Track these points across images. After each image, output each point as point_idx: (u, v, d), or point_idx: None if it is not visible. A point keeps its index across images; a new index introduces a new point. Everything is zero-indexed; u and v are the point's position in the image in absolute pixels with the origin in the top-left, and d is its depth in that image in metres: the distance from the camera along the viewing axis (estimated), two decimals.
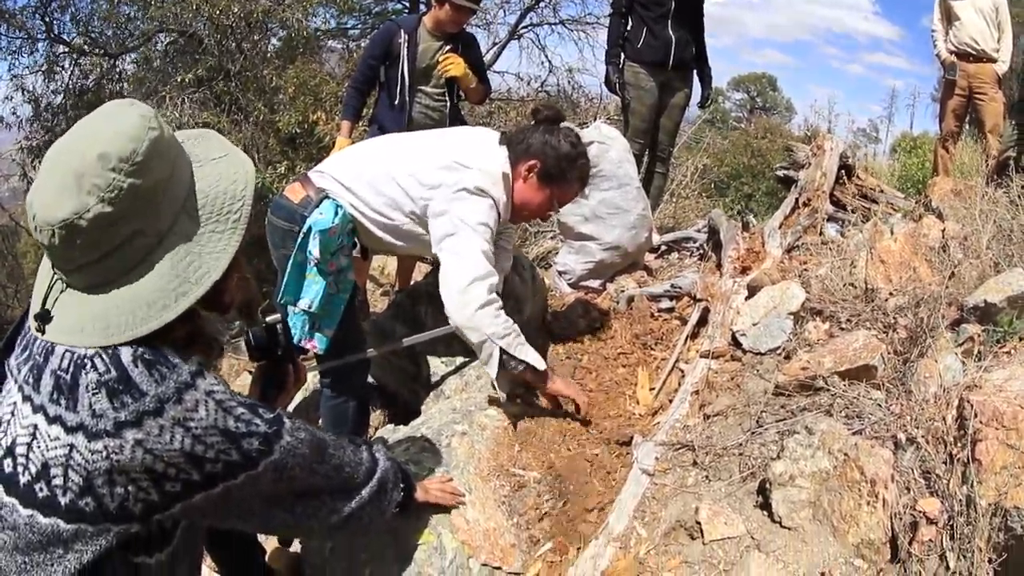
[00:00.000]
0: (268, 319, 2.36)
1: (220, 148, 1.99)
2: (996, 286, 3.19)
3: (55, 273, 1.81)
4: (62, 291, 1.80)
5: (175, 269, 1.77)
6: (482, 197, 3.45)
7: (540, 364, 3.48)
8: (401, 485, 2.50)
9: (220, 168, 1.92)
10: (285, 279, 3.56)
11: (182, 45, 15.25)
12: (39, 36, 15.44)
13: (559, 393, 3.66)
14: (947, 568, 2.28)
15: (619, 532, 2.85)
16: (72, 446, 1.67)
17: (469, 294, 3.33)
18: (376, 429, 4.43)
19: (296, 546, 3.24)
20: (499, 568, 2.82)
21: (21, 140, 16.14)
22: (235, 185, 1.90)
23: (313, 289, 3.58)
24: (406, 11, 20.28)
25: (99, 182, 1.64)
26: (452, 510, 2.92)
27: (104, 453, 1.66)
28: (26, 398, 1.76)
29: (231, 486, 1.84)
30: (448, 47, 5.51)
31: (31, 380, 1.77)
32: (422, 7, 19.50)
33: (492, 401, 3.71)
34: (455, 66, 5.43)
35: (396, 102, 5.51)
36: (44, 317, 1.78)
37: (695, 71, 6.89)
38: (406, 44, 5.43)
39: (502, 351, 3.37)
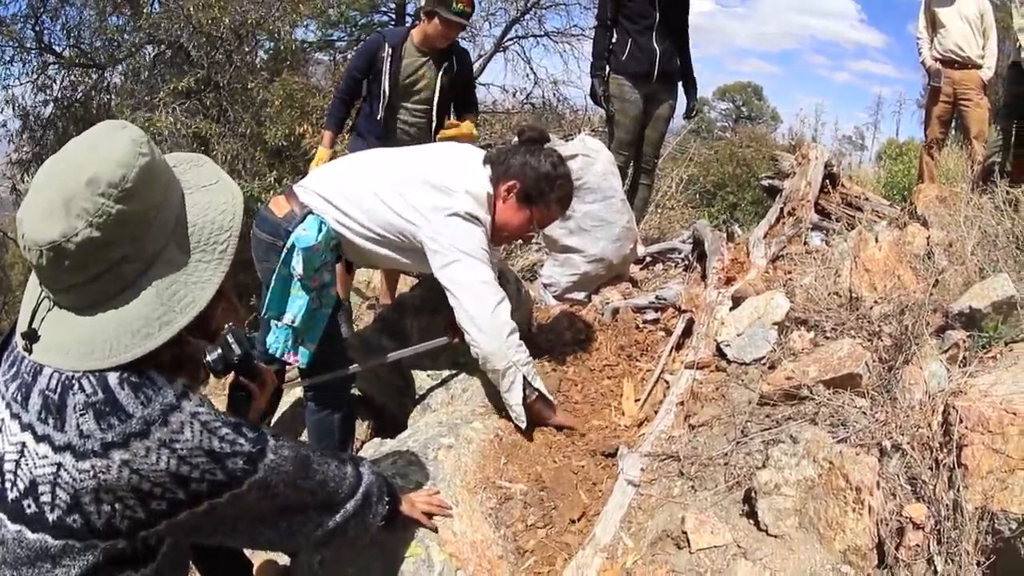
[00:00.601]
0: None
1: (211, 175, 1.99)
2: (981, 292, 3.20)
3: (43, 291, 1.81)
4: (49, 310, 1.81)
5: (160, 297, 1.78)
6: (475, 225, 3.48)
7: (549, 395, 3.67)
8: (386, 498, 2.50)
9: (210, 196, 1.93)
10: (269, 293, 3.56)
11: (170, 57, 15.24)
12: (30, 46, 15.44)
13: (560, 424, 3.71)
14: (935, 572, 2.30)
15: (606, 543, 2.85)
16: (60, 465, 1.69)
17: (497, 323, 3.45)
18: (363, 443, 4.42)
19: (284, 559, 3.23)
20: None
21: (11, 153, 16.14)
22: (223, 215, 1.90)
23: (296, 304, 3.58)
24: (392, 23, 20.31)
25: (88, 207, 1.65)
26: (439, 523, 2.91)
27: (91, 472, 1.68)
28: (14, 415, 1.77)
29: (216, 504, 1.86)
30: (444, 64, 5.49)
31: (19, 398, 1.78)
32: (409, 19, 19.56)
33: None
34: (455, 131, 5.40)
35: (377, 116, 5.50)
36: (31, 336, 1.79)
37: (680, 82, 6.91)
38: (389, 59, 5.39)
39: (524, 378, 3.49)
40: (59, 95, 15.83)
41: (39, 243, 1.65)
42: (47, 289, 1.79)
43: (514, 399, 3.52)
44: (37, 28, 15.38)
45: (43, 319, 1.81)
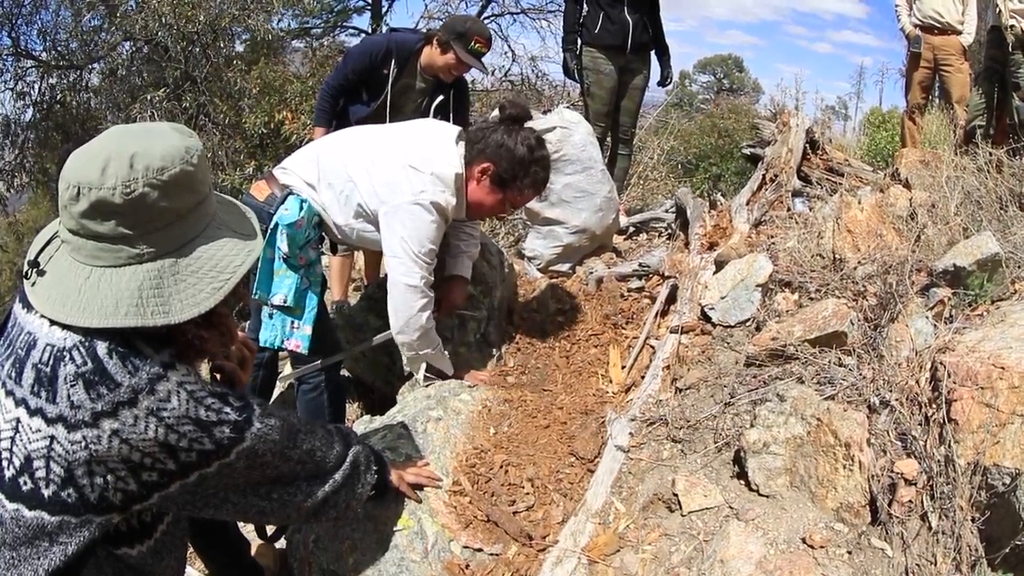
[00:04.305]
0: None
1: (250, 229, 2.09)
2: (965, 250, 3.19)
3: (59, 230, 1.88)
4: (57, 249, 1.90)
5: (140, 291, 1.80)
6: (432, 215, 3.45)
7: (449, 371, 3.94)
8: (374, 467, 2.53)
9: (234, 242, 1.99)
10: (257, 277, 3.57)
11: (147, 54, 15.14)
12: (6, 52, 15.34)
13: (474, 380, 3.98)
14: (929, 528, 2.29)
15: (597, 508, 2.84)
16: (53, 437, 1.74)
17: (413, 325, 3.63)
18: (353, 421, 4.42)
19: (280, 541, 3.23)
20: (480, 550, 2.81)
21: None
22: (234, 260, 1.95)
23: (286, 284, 3.59)
24: (368, 6, 20.17)
25: (120, 173, 1.74)
26: (431, 494, 2.92)
27: (83, 443, 1.72)
28: (9, 393, 1.82)
29: (206, 474, 1.90)
30: (440, 96, 5.33)
31: (13, 375, 1.83)
32: (385, 3, 19.44)
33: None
34: None
35: (362, 116, 5.33)
36: (34, 265, 1.89)
37: (653, 52, 6.95)
38: (391, 77, 5.23)
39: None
40: (38, 99, 15.73)
41: (67, 178, 1.75)
42: (62, 224, 1.84)
43: (412, 367, 3.95)
44: (13, 35, 15.28)
45: (51, 257, 1.89)
